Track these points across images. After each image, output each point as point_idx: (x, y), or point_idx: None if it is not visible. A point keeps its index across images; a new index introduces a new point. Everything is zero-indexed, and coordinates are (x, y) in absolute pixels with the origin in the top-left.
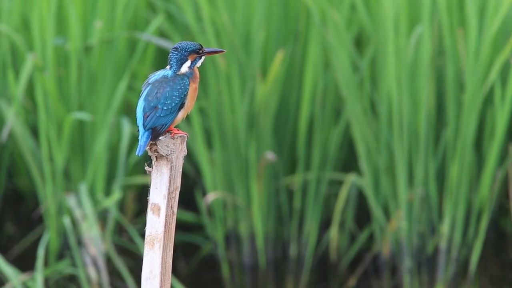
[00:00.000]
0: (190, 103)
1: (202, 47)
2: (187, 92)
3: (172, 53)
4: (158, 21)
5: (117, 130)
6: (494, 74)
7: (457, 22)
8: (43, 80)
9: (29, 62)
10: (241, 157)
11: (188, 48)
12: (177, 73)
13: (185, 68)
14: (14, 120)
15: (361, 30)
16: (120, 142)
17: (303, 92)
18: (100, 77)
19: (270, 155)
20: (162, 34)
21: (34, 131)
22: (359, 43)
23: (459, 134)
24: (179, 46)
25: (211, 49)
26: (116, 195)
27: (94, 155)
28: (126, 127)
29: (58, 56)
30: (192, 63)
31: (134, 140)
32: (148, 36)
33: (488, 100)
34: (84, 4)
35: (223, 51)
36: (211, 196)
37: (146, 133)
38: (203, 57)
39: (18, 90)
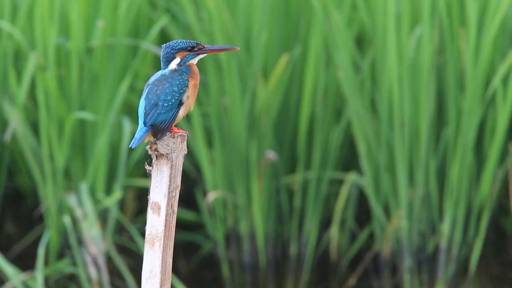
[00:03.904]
0: (191, 100)
1: (197, 45)
2: (187, 88)
3: (161, 52)
4: (161, 23)
5: (118, 130)
6: (497, 80)
7: (458, 21)
8: (45, 79)
9: (32, 61)
10: (242, 156)
11: (176, 46)
12: (169, 70)
13: (173, 65)
14: (15, 118)
15: (362, 29)
16: (121, 141)
17: (303, 92)
18: (101, 77)
19: (271, 154)
20: (164, 33)
21: (35, 129)
22: (360, 42)
23: (460, 134)
24: (166, 45)
25: (216, 46)
26: (117, 194)
27: (95, 154)
28: (127, 127)
29: (60, 55)
30: (182, 60)
31: None
32: (148, 44)
33: (489, 100)
34: (87, 3)
35: (235, 48)
36: (211, 196)
37: (145, 128)
38: (201, 55)
39: (21, 90)
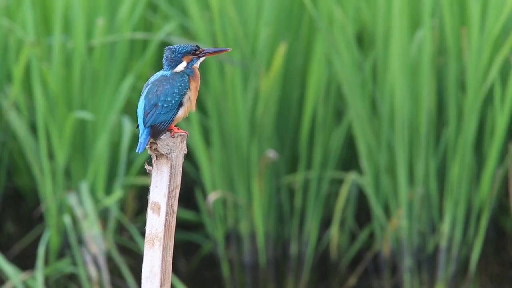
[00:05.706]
0: (192, 101)
1: (199, 48)
2: (187, 90)
3: (165, 55)
4: (169, 27)
5: (118, 129)
6: (494, 72)
7: (458, 21)
8: (43, 72)
9: (27, 47)
10: (243, 155)
11: (182, 50)
12: (172, 71)
13: (180, 69)
14: (15, 118)
15: (362, 29)
16: (121, 141)
17: (307, 91)
18: (102, 76)
19: (271, 154)
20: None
21: (35, 129)
22: (361, 42)
23: (460, 134)
24: (172, 49)
25: (213, 49)
26: (117, 194)
27: (95, 153)
28: (127, 126)
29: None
30: (188, 64)
31: (135, 139)
32: (161, 36)
33: (488, 99)
34: (88, 2)
35: (228, 50)
36: (212, 196)
37: (146, 130)
38: (202, 58)
39: (16, 84)
